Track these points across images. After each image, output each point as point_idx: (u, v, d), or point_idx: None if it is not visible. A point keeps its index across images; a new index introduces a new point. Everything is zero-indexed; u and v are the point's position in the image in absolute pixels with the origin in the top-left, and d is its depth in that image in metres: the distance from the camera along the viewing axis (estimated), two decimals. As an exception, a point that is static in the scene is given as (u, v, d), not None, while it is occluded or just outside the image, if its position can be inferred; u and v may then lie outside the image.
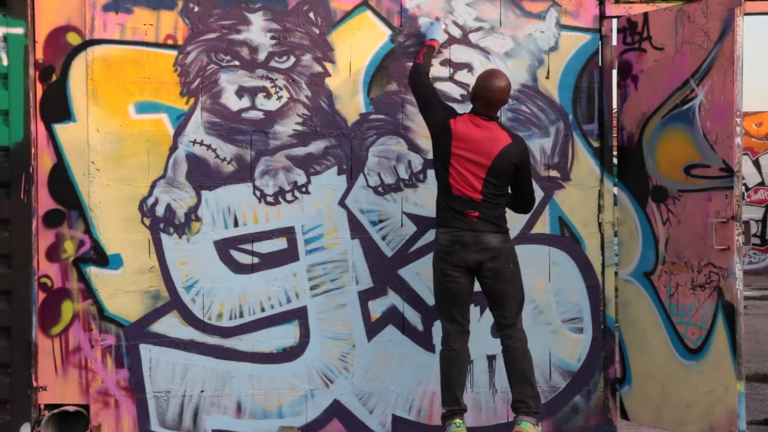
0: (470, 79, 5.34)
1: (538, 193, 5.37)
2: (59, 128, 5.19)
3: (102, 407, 5.24)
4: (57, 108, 5.18)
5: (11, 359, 5.07)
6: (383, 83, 5.34)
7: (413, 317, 5.38)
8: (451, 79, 5.36)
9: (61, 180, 5.19)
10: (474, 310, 5.25)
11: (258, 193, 5.29)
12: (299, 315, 5.33)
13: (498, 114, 5.01)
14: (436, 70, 5.34)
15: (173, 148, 5.25)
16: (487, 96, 4.89)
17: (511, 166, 4.89)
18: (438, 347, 5.27)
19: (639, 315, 5.39)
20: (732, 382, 4.85)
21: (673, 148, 5.18)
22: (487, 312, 5.28)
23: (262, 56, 5.28)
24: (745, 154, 15.27)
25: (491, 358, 5.38)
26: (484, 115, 4.91)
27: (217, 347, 5.29)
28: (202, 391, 5.29)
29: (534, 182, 5.21)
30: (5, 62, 5.07)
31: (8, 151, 5.07)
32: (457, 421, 4.87)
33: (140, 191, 5.24)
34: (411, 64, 5.27)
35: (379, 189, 5.35)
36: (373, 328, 5.36)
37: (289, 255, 5.32)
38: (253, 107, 5.28)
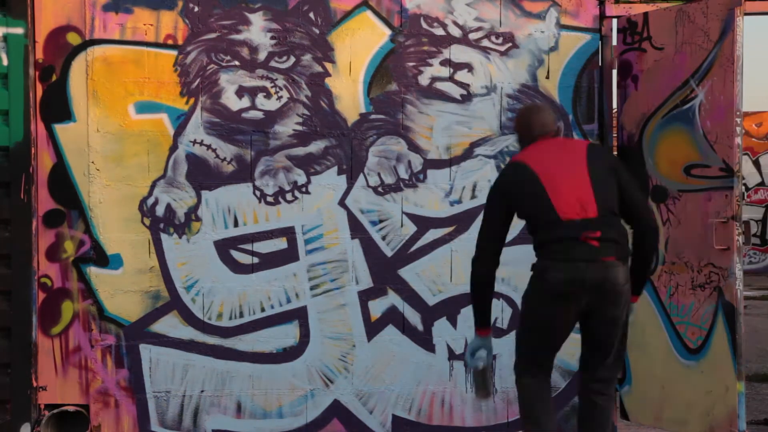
0: (470, 79, 5.35)
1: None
2: (59, 128, 5.19)
3: (102, 407, 5.24)
4: (57, 108, 5.18)
5: (11, 359, 5.07)
6: (383, 83, 5.34)
7: (413, 317, 5.38)
8: (451, 79, 5.36)
9: (61, 180, 5.19)
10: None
11: (258, 193, 5.29)
12: (299, 315, 5.33)
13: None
14: (436, 70, 5.34)
15: (173, 148, 5.25)
16: (534, 131, 4.26)
17: (606, 162, 4.15)
18: (438, 345, 5.30)
19: (639, 315, 5.38)
20: (732, 382, 4.85)
21: (673, 148, 5.18)
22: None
23: (262, 56, 5.28)
24: (745, 154, 15.26)
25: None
26: (543, 136, 4.25)
27: (217, 347, 5.29)
28: (202, 391, 5.29)
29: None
30: (5, 62, 5.07)
31: (8, 151, 5.07)
32: None
33: (140, 191, 5.24)
34: (411, 64, 5.29)
35: (379, 189, 5.35)
36: (373, 328, 5.36)
37: (289, 255, 5.32)
38: (253, 107, 5.28)
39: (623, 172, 4.18)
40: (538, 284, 4.09)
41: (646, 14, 5.32)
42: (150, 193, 5.25)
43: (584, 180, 4.03)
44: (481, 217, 4.37)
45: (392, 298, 5.37)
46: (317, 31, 5.31)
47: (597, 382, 4.19)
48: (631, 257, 4.14)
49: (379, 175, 5.35)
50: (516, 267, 5.38)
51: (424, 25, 5.35)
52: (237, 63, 5.27)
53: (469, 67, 5.38)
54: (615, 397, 4.45)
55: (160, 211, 5.25)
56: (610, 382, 4.23)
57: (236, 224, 5.30)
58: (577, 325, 4.19)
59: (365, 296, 5.35)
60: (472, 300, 4.29)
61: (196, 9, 5.25)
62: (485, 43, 5.38)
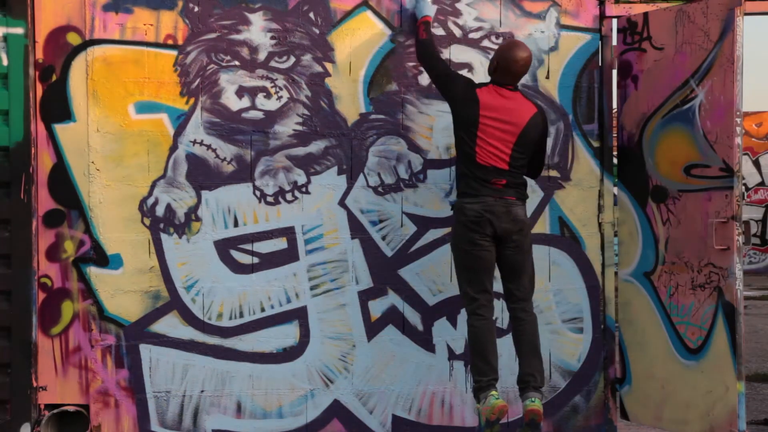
0: (470, 79, 5.34)
1: (538, 193, 5.37)
2: (59, 128, 5.19)
3: (102, 407, 5.24)
4: (57, 108, 5.18)
5: (11, 359, 5.07)
6: (383, 83, 5.34)
7: (413, 317, 5.38)
8: (451, 79, 5.36)
9: (61, 180, 5.19)
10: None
11: (258, 193, 5.29)
12: (299, 315, 5.33)
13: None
14: (436, 70, 5.34)
15: (173, 148, 5.25)
16: (511, 67, 4.93)
17: (536, 135, 4.96)
18: (438, 345, 5.30)
19: (639, 315, 5.39)
20: (732, 382, 4.85)
21: (673, 148, 5.18)
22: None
23: (262, 56, 5.28)
24: (745, 154, 15.27)
25: (491, 358, 5.38)
26: (508, 86, 4.96)
27: (217, 347, 5.29)
28: (202, 391, 5.29)
29: (534, 181, 5.23)
30: (5, 62, 5.07)
31: (8, 151, 5.07)
32: (494, 393, 4.77)
33: (140, 191, 5.24)
34: (411, 64, 5.28)
35: (379, 189, 5.35)
36: (373, 328, 5.36)
37: (289, 255, 5.32)
38: (253, 107, 5.28)
39: (544, 139, 5.08)
40: (460, 217, 4.92)
41: (646, 14, 5.32)
42: (150, 193, 5.24)
43: (509, 143, 4.90)
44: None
45: (392, 298, 5.37)
46: (317, 31, 5.31)
47: (519, 302, 4.95)
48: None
49: (379, 175, 5.35)
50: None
51: (424, 25, 5.35)
52: (237, 63, 5.27)
53: (469, 67, 5.38)
54: (535, 315, 5.00)
55: (160, 211, 5.25)
56: (528, 301, 4.98)
57: (236, 224, 5.30)
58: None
59: (365, 296, 5.35)
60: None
61: (196, 9, 5.25)
62: (485, 43, 5.38)
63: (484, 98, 4.90)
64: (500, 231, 4.85)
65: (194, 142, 5.25)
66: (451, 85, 5.00)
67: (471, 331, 4.92)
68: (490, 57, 5.30)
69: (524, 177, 5.02)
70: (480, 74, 5.33)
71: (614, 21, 5.47)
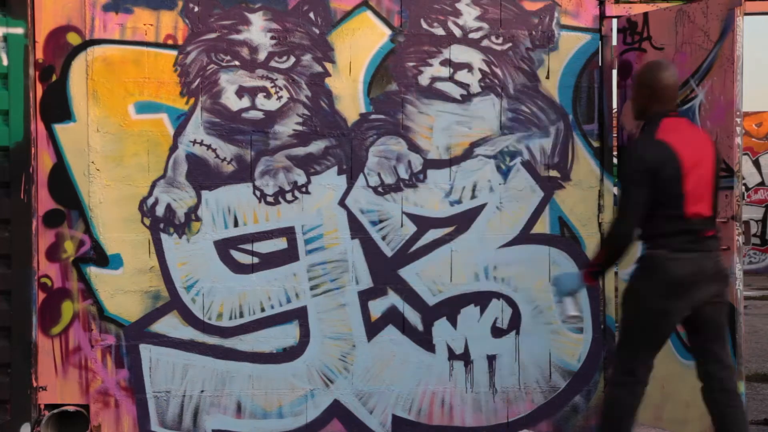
0: (470, 79, 5.35)
1: (538, 194, 5.37)
2: (59, 128, 5.19)
3: (102, 407, 5.24)
4: (57, 108, 5.18)
5: (11, 359, 5.07)
6: (383, 83, 5.34)
7: (413, 317, 5.38)
8: (451, 79, 5.36)
9: (61, 180, 5.19)
10: (474, 310, 5.26)
11: (258, 193, 5.29)
12: (299, 315, 5.33)
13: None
14: (436, 70, 5.34)
15: (173, 148, 5.25)
16: (671, 92, 4.21)
17: (720, 163, 4.28)
18: (439, 345, 5.29)
19: (639, 315, 5.38)
20: (732, 382, 4.85)
21: (673, 148, 5.17)
22: (488, 312, 5.30)
23: (262, 56, 5.28)
24: (745, 154, 15.26)
25: (491, 358, 5.38)
26: (673, 112, 4.23)
27: (217, 347, 5.29)
28: (202, 391, 5.29)
29: (535, 182, 5.20)
30: (5, 62, 5.07)
31: (8, 151, 5.08)
32: None
33: (140, 191, 5.24)
34: (411, 64, 5.30)
35: (379, 189, 5.35)
36: (373, 328, 5.36)
37: (289, 255, 5.32)
38: (253, 107, 5.28)
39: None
40: (655, 276, 4.05)
41: (646, 14, 5.32)
42: (150, 193, 5.25)
43: (711, 176, 4.12)
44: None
45: (392, 298, 5.37)
46: (317, 31, 5.31)
47: (724, 370, 4.13)
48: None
49: (379, 175, 5.35)
50: (517, 267, 5.40)
51: (424, 25, 5.35)
52: (237, 63, 5.27)
53: (469, 67, 5.38)
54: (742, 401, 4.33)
55: (160, 211, 5.25)
56: (734, 372, 4.20)
57: (236, 224, 5.30)
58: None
59: (365, 296, 5.35)
60: (606, 253, 4.21)
61: (196, 9, 5.25)
62: (485, 43, 5.38)
63: (676, 143, 4.06)
64: (706, 296, 4.07)
65: (194, 142, 5.25)
66: (652, 181, 4.05)
67: (616, 402, 4.17)
68: (491, 59, 5.30)
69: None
70: (480, 74, 5.34)
71: (614, 21, 5.47)
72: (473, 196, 5.38)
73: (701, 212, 4.07)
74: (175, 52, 5.24)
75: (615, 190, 5.58)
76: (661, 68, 4.22)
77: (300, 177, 5.31)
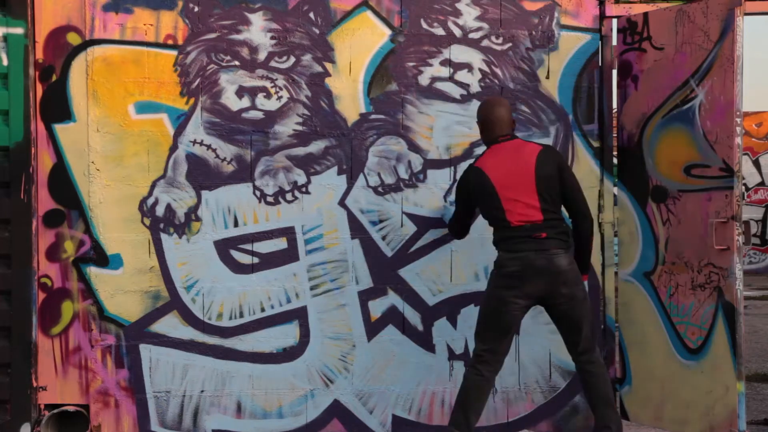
0: (470, 79, 5.35)
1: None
2: (59, 128, 5.19)
3: (102, 407, 5.24)
4: (57, 108, 5.18)
5: (11, 359, 5.07)
6: (383, 83, 5.34)
7: (413, 317, 5.38)
8: (451, 79, 5.36)
9: (61, 180, 5.19)
10: (474, 310, 5.25)
11: (258, 193, 5.29)
12: (299, 315, 5.33)
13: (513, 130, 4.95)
14: (436, 70, 5.34)
15: (173, 148, 5.25)
16: (493, 124, 4.88)
17: (554, 170, 4.77)
18: (438, 345, 5.29)
19: (639, 315, 5.39)
20: (732, 382, 4.85)
21: (673, 148, 5.18)
22: (487, 312, 5.30)
23: (262, 56, 5.28)
24: (745, 154, 15.26)
25: (491, 358, 5.38)
26: (502, 137, 4.87)
27: (217, 347, 5.29)
28: (202, 391, 5.29)
29: None
30: (5, 62, 5.07)
31: (8, 151, 5.07)
32: None
33: (140, 191, 5.24)
34: (411, 64, 5.30)
35: (379, 189, 5.35)
36: (373, 328, 5.36)
37: (289, 255, 5.32)
38: (253, 107, 5.28)
39: (567, 174, 4.83)
40: (496, 271, 4.80)
41: (646, 14, 5.32)
42: (150, 193, 5.25)
43: (532, 189, 4.73)
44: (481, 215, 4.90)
45: (392, 298, 5.37)
46: (317, 31, 5.31)
47: (583, 354, 4.82)
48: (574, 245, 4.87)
49: (379, 175, 5.35)
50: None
51: (424, 25, 5.35)
52: (237, 63, 5.27)
53: (469, 67, 5.38)
54: (602, 362, 4.89)
55: (160, 211, 5.25)
56: (593, 350, 4.84)
57: (236, 224, 5.30)
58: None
59: (365, 296, 5.35)
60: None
61: (196, 9, 5.25)
62: (485, 43, 5.38)
63: (487, 167, 4.80)
64: (541, 292, 4.72)
65: (194, 142, 5.25)
66: (466, 197, 4.93)
67: (463, 382, 4.81)
68: (491, 59, 5.31)
69: (564, 224, 4.83)
70: (480, 74, 5.34)
71: (614, 21, 5.47)
72: (473, 196, 5.38)
73: (529, 219, 4.71)
74: (175, 52, 5.25)
75: (615, 190, 5.58)
76: (488, 104, 4.93)
77: (300, 177, 5.31)
